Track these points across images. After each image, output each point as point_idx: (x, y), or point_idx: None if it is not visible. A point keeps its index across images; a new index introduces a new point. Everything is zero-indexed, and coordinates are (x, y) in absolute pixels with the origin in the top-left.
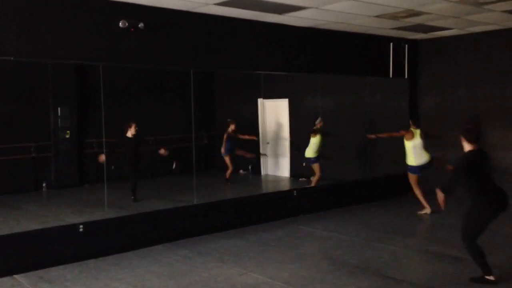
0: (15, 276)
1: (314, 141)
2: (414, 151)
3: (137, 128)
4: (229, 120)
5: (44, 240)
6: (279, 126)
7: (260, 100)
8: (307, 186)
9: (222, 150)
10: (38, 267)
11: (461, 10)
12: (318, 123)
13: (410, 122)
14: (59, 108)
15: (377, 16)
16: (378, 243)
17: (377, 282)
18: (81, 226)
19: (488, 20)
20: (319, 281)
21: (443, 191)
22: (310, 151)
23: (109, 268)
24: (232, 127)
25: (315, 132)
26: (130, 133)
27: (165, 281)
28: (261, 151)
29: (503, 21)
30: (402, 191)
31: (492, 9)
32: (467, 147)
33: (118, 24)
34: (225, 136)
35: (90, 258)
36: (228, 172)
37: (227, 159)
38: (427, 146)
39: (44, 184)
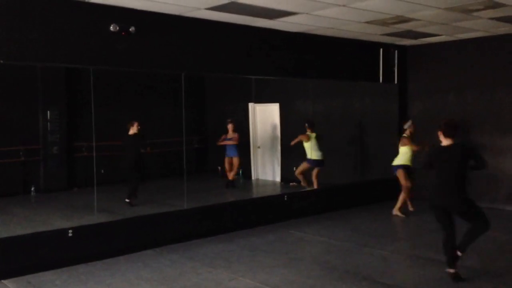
0: (3, 281)
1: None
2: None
3: (139, 127)
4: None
5: (33, 245)
6: (270, 130)
7: (251, 105)
8: (298, 190)
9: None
10: (27, 272)
11: (450, 17)
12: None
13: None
14: (48, 111)
15: (367, 22)
16: (368, 248)
17: (366, 286)
18: (70, 231)
19: (476, 27)
20: (309, 286)
21: None
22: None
23: (99, 273)
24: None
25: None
26: (132, 131)
27: (155, 286)
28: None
29: (491, 27)
30: (392, 196)
31: (480, 16)
32: (443, 141)
33: (109, 27)
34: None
35: (80, 263)
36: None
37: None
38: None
39: (32, 188)
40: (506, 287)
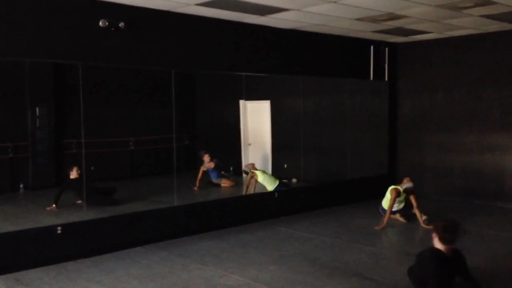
0: None
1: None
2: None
3: (80, 172)
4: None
5: (21, 242)
6: (260, 127)
7: (241, 102)
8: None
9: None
10: (15, 269)
11: (440, 14)
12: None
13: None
14: (37, 108)
15: (358, 19)
16: (357, 244)
17: (356, 283)
18: (59, 228)
19: (466, 24)
20: (299, 283)
21: None
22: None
23: (88, 270)
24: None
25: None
26: (72, 176)
27: (145, 283)
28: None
29: (481, 25)
30: (381, 193)
31: (470, 13)
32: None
33: (98, 23)
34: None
35: (68, 260)
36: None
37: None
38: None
39: (21, 185)
40: (504, 285)
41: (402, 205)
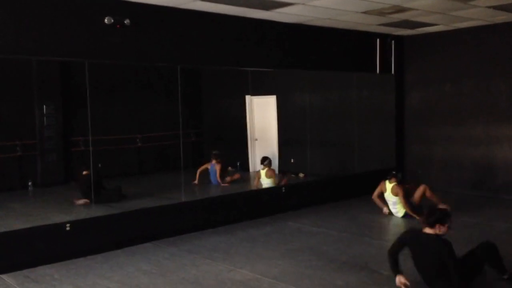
0: (1, 275)
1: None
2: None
3: (88, 171)
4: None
5: (31, 239)
6: (267, 122)
7: (247, 97)
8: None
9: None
10: (25, 266)
11: (447, 6)
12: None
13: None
14: (44, 106)
15: (363, 12)
16: (365, 238)
17: (365, 277)
18: (68, 225)
19: (473, 16)
20: (307, 277)
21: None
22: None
23: (97, 266)
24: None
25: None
26: (86, 172)
27: (154, 279)
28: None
29: (488, 16)
30: None
31: (477, 5)
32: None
33: (104, 20)
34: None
35: (78, 256)
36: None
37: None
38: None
39: (30, 183)
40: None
41: (398, 208)
